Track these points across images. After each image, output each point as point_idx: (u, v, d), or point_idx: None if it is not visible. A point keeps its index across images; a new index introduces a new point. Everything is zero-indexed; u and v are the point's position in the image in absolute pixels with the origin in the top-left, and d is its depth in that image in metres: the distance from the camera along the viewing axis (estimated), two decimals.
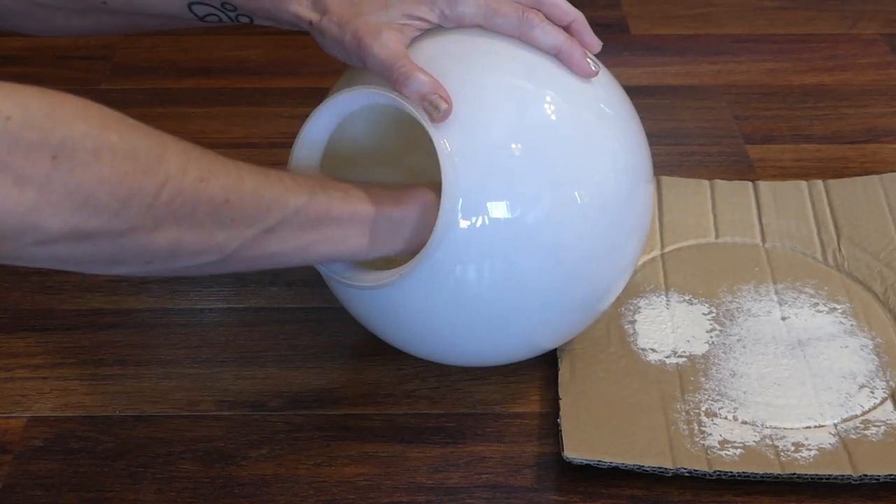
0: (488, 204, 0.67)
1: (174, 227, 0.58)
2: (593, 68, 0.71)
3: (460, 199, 0.66)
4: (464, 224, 0.67)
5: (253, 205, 0.61)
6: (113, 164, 0.54)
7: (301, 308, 0.84)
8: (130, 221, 0.55)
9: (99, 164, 0.53)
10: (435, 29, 0.71)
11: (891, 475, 0.69)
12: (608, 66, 0.75)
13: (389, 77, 0.67)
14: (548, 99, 0.69)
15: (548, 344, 0.77)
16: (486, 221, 0.67)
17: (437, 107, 0.66)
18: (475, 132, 0.67)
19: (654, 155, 0.76)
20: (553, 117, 0.69)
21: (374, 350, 0.80)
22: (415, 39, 0.70)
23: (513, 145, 0.67)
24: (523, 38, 0.70)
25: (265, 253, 0.63)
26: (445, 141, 0.66)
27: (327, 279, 0.74)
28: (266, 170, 0.63)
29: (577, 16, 0.72)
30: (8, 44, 1.18)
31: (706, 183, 0.96)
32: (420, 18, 0.70)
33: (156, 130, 0.58)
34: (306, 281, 0.86)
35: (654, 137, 0.78)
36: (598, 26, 0.73)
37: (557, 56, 0.70)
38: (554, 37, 0.70)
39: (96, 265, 0.59)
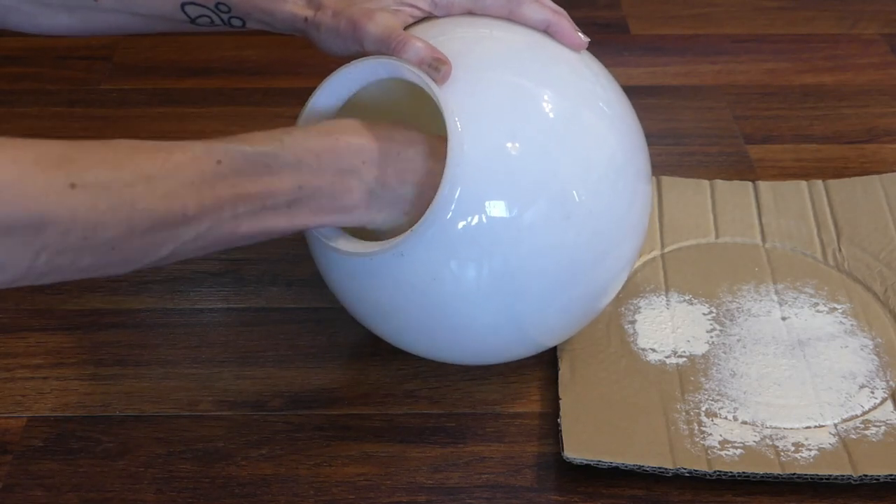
0: (488, 195, 0.66)
1: (57, 275, 0.59)
2: (583, 39, 0.72)
3: (459, 189, 0.66)
4: (458, 213, 0.66)
5: (142, 247, 0.60)
6: None
7: (301, 308, 0.84)
8: (10, 278, 0.57)
9: None
10: (426, 20, 0.72)
11: (891, 475, 0.69)
12: (608, 66, 0.75)
13: (387, 48, 0.68)
14: (546, 97, 0.69)
15: (546, 341, 0.76)
16: (485, 212, 0.66)
17: (437, 68, 0.66)
18: (480, 122, 0.67)
19: (654, 155, 0.76)
20: (552, 115, 0.69)
21: (374, 350, 0.80)
22: (406, 30, 0.71)
23: (512, 143, 0.67)
24: (512, 16, 0.72)
25: (159, 264, 0.63)
26: (457, 119, 0.66)
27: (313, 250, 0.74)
28: (174, 195, 0.60)
29: (561, 11, 0.73)
30: (8, 44, 1.18)
31: (706, 183, 0.96)
32: (411, 5, 0.72)
33: (49, 187, 0.56)
34: (306, 281, 0.86)
35: (654, 137, 0.78)
36: (598, 26, 0.74)
37: (547, 30, 0.72)
38: (542, 11, 0.72)
39: None
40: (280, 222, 0.64)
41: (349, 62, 0.70)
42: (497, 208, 0.67)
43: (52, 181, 0.56)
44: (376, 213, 0.67)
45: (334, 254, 0.70)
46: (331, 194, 0.65)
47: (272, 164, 0.63)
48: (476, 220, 0.66)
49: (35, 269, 0.57)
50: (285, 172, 0.64)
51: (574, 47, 0.72)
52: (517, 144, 0.67)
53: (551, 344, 0.77)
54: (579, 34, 0.72)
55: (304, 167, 0.64)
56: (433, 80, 0.67)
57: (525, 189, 0.67)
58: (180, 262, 0.87)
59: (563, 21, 0.72)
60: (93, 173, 0.57)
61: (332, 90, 0.71)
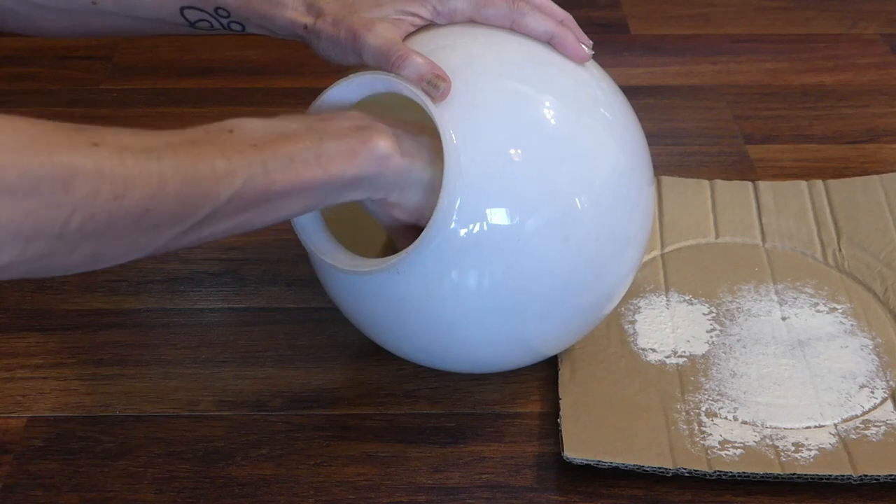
0: (487, 210, 0.66)
1: (91, 245, 0.56)
2: (587, 52, 0.71)
3: (458, 199, 0.66)
4: (457, 228, 0.66)
5: (177, 207, 0.58)
6: (13, 205, 0.52)
7: (301, 308, 0.84)
8: (42, 251, 0.54)
9: None
10: (428, 28, 0.72)
11: (891, 475, 0.69)
12: (608, 66, 0.75)
13: (386, 62, 0.67)
14: (547, 104, 0.69)
15: (549, 351, 0.76)
16: (485, 227, 0.66)
17: (437, 86, 0.66)
18: (478, 134, 0.66)
19: (654, 155, 0.76)
20: (553, 122, 0.69)
21: (374, 350, 0.79)
22: (408, 38, 0.70)
23: (513, 150, 0.67)
24: (515, 27, 0.71)
25: (196, 239, 0.61)
26: (452, 133, 0.66)
27: (316, 268, 0.74)
28: (199, 154, 0.58)
29: (565, 16, 0.72)
30: (8, 44, 1.18)
31: (706, 183, 0.96)
32: (413, 14, 0.71)
33: (72, 143, 0.54)
34: (306, 281, 0.86)
35: (654, 137, 0.78)
36: (598, 26, 0.74)
37: (550, 42, 0.71)
38: (545, 22, 0.70)
39: (22, 276, 0.58)
40: (315, 173, 0.62)
41: (346, 76, 0.69)
42: (497, 221, 0.66)
43: (74, 138, 0.54)
44: (411, 160, 0.66)
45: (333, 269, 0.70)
46: (359, 140, 0.64)
47: (283, 130, 0.62)
48: (476, 232, 0.66)
49: (68, 237, 0.54)
50: (298, 132, 0.63)
51: (577, 60, 0.71)
52: (518, 151, 0.67)
53: (554, 352, 0.77)
54: (583, 46, 0.71)
55: (315, 126, 0.63)
56: (431, 97, 0.66)
57: (526, 201, 0.67)
58: (180, 262, 0.88)
59: (567, 33, 0.71)
60: (111, 138, 0.56)
61: (329, 104, 0.70)
